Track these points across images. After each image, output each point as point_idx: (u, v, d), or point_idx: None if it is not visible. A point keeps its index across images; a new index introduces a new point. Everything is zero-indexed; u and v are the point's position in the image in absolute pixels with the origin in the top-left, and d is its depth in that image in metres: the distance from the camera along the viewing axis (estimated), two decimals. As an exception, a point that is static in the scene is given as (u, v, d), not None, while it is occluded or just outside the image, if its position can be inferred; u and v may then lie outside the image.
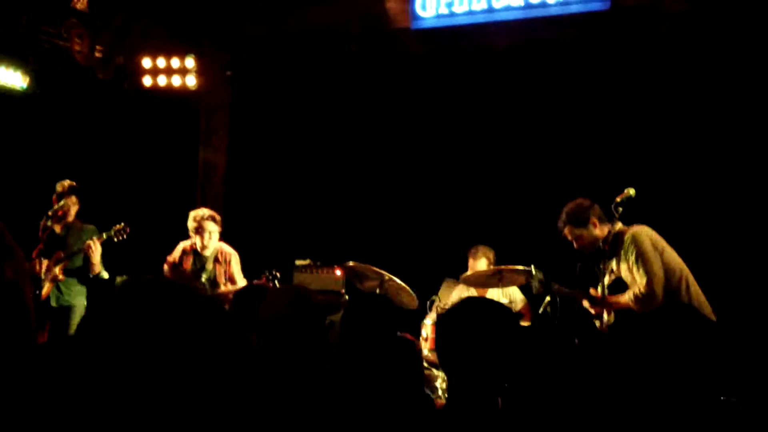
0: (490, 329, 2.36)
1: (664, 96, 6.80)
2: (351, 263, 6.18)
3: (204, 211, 6.37)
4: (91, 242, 6.08)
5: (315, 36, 7.92)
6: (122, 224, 6.20)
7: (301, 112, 8.25)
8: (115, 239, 6.19)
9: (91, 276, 6.19)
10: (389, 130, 7.94)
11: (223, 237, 6.58)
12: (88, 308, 6.08)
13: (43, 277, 6.03)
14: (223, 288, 6.33)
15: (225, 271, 6.40)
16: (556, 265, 6.34)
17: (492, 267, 6.28)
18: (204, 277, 6.39)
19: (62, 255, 6.16)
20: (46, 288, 6.12)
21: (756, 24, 6.38)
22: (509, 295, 6.50)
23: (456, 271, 6.55)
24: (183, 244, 6.51)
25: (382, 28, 7.63)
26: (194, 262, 6.42)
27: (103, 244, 6.18)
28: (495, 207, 7.41)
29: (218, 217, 6.38)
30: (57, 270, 6.14)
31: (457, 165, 7.68)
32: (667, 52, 6.74)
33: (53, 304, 6.20)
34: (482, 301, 2.70)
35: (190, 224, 6.33)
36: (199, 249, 6.36)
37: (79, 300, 6.30)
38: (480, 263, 6.40)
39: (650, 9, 6.77)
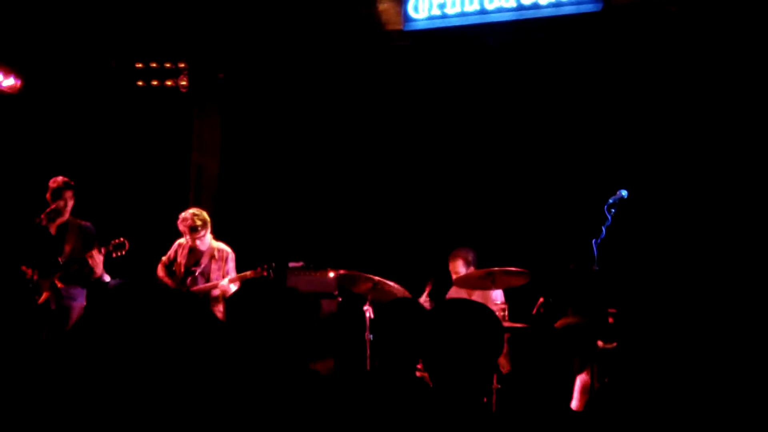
0: (472, 331, 2.41)
1: (657, 96, 6.80)
2: (342, 271, 6.17)
3: (192, 211, 6.43)
4: (93, 255, 6.02)
5: (309, 37, 7.93)
6: (121, 239, 6.10)
7: (294, 115, 8.23)
8: (113, 255, 6.11)
9: (92, 280, 6.16)
10: (381, 133, 7.93)
11: (218, 239, 6.60)
12: (86, 309, 6.06)
13: (38, 284, 5.98)
14: (214, 283, 6.36)
15: (220, 268, 6.44)
16: (548, 266, 6.36)
17: (473, 268, 6.27)
18: (197, 272, 6.42)
19: (60, 262, 6.09)
20: (44, 296, 6.07)
21: (749, 23, 6.40)
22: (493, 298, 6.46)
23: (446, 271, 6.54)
24: (179, 241, 6.57)
25: (374, 30, 7.63)
26: (189, 257, 6.48)
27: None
28: (488, 207, 7.40)
29: (206, 216, 6.43)
30: (55, 279, 6.10)
31: (450, 166, 7.66)
32: (660, 53, 6.74)
33: (52, 306, 6.14)
34: (465, 303, 2.72)
35: (180, 224, 6.40)
36: (192, 246, 6.46)
37: (78, 302, 6.26)
38: (457, 264, 6.38)
39: (643, 10, 6.78)
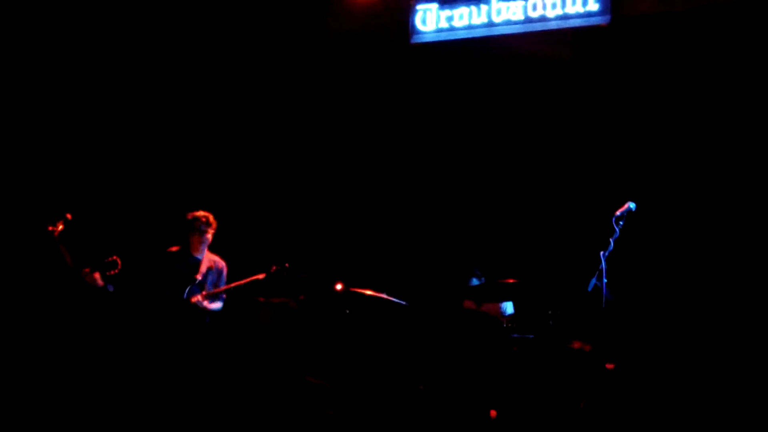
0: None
1: (664, 109, 6.79)
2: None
3: (200, 212, 6.30)
4: (93, 277, 5.98)
5: (319, 50, 7.96)
6: (114, 258, 5.95)
7: (303, 128, 8.24)
8: (107, 273, 6.03)
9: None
10: (390, 145, 7.92)
11: (220, 249, 6.56)
12: None
13: None
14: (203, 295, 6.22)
15: (214, 281, 6.34)
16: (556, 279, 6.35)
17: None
18: (197, 281, 6.27)
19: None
20: None
21: (756, 35, 6.39)
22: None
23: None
24: (171, 249, 6.38)
25: (382, 43, 7.66)
26: (186, 265, 6.30)
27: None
28: (496, 219, 7.38)
29: (213, 219, 6.32)
30: None
31: (457, 177, 7.65)
32: (667, 65, 6.74)
33: None
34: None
35: (184, 223, 6.29)
36: (191, 250, 6.31)
37: None
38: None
39: (650, 23, 6.78)
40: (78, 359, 5.61)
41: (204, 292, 6.25)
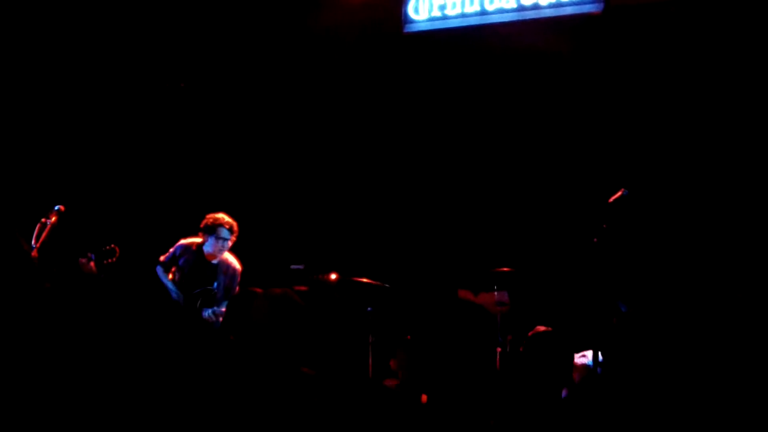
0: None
1: (657, 97, 6.78)
2: None
3: (225, 217, 5.90)
4: (89, 266, 5.85)
5: (311, 40, 7.94)
6: (112, 246, 5.74)
7: (295, 117, 8.23)
8: (104, 261, 5.88)
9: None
10: (383, 135, 7.91)
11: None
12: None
13: None
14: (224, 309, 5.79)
15: (226, 286, 5.96)
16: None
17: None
18: (215, 290, 5.94)
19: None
20: None
21: (750, 23, 6.38)
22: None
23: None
24: (185, 242, 6.02)
25: (375, 33, 7.64)
26: (199, 268, 5.96)
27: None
28: (489, 208, 7.38)
29: (237, 227, 5.94)
30: None
31: (451, 168, 7.64)
32: (660, 53, 6.73)
33: None
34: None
35: (206, 226, 5.88)
36: (205, 254, 5.94)
37: None
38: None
39: (643, 11, 6.77)
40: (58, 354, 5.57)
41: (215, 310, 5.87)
